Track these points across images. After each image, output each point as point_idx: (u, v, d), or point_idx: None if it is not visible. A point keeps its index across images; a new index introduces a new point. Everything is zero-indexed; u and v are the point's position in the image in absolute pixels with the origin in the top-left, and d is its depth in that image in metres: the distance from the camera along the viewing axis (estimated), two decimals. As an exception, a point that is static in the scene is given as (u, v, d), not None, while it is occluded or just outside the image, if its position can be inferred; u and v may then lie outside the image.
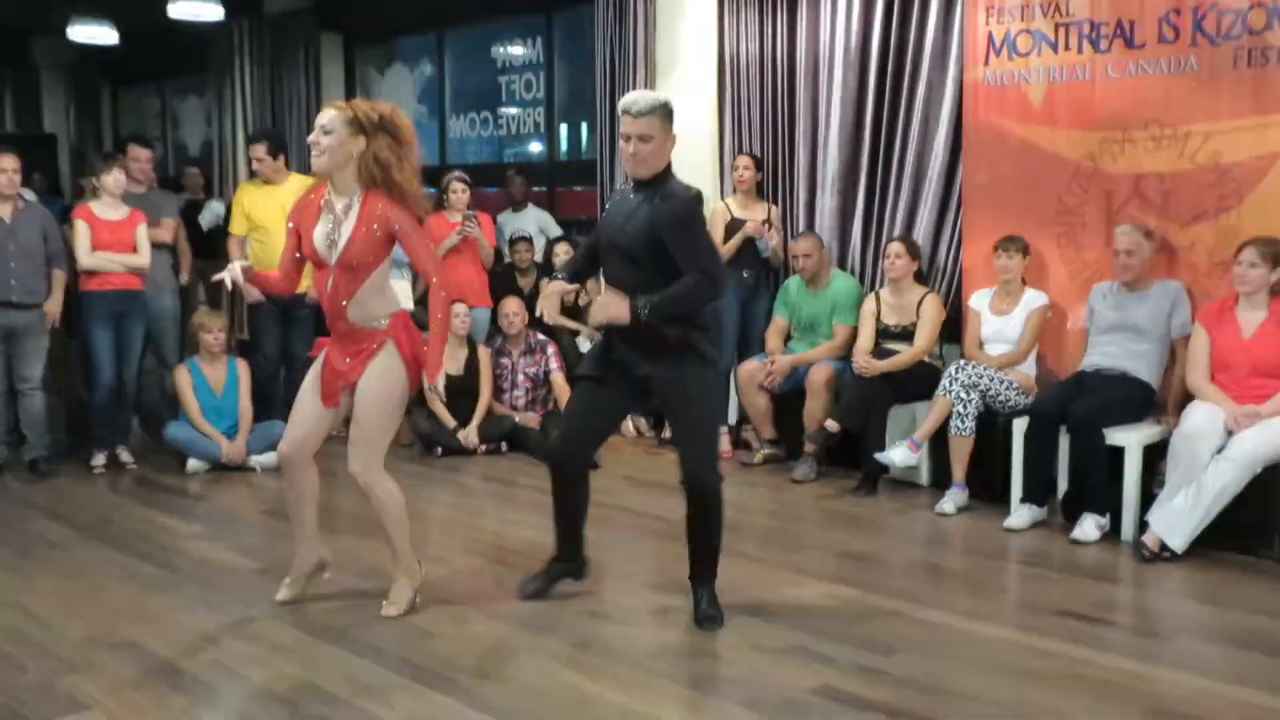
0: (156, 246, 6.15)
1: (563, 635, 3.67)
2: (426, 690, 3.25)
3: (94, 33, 9.55)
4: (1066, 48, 5.25)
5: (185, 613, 3.86)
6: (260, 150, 6.38)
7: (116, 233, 5.88)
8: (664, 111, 3.56)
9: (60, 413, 6.69)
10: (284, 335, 6.43)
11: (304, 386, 3.83)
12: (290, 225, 3.78)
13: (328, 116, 3.61)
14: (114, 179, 5.90)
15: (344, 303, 3.66)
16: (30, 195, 6.65)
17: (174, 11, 8.27)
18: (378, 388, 3.68)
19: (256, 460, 5.98)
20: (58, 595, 4.08)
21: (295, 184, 6.58)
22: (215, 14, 8.44)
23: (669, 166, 3.65)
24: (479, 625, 3.76)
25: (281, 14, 9.55)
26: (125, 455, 6.14)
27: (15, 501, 5.46)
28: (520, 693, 3.24)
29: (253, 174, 6.72)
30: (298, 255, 3.79)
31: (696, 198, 3.60)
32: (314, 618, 3.82)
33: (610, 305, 3.58)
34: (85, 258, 5.79)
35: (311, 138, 3.61)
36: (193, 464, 5.98)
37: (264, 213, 6.26)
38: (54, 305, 5.78)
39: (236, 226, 6.43)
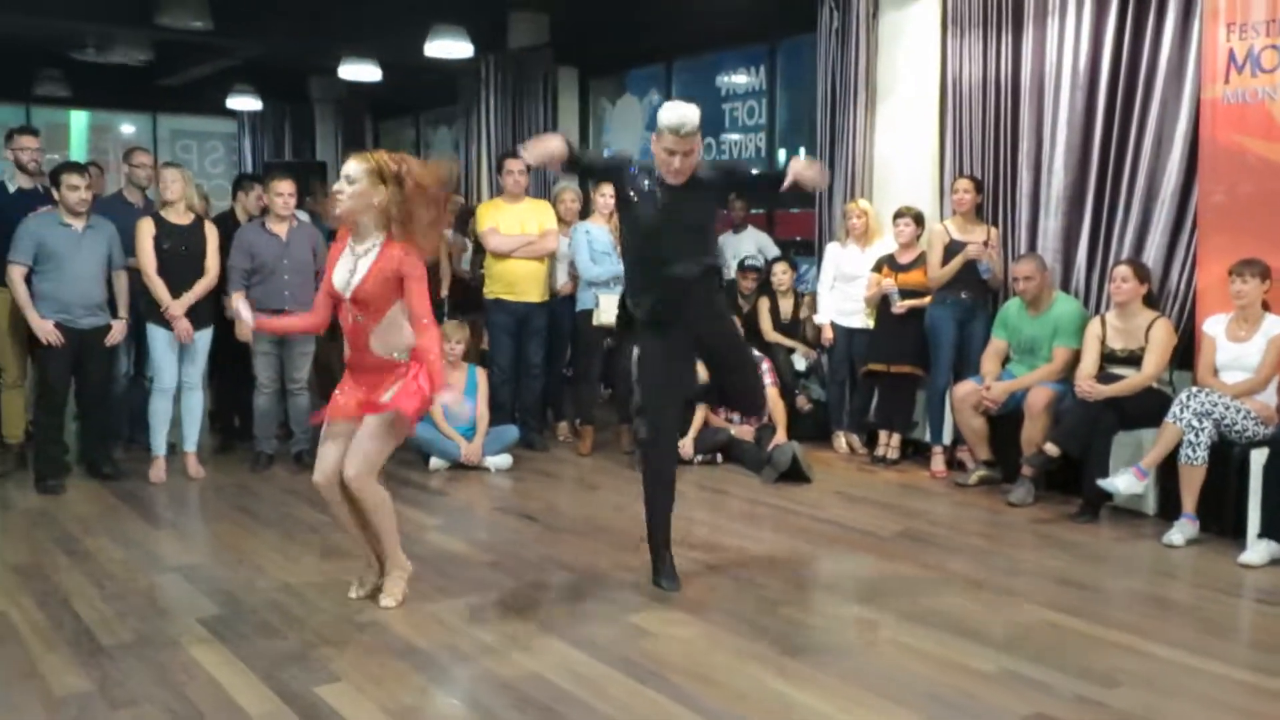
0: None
1: (771, 643, 3.76)
2: (640, 686, 3.39)
3: (361, 71, 10.44)
4: (1317, 62, 4.99)
5: (424, 599, 4.17)
6: (520, 164, 6.82)
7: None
8: (694, 130, 4.05)
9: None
10: (519, 344, 6.85)
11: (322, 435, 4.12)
12: (325, 268, 4.08)
13: (354, 166, 3.83)
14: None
15: (367, 336, 3.92)
16: (304, 216, 7.34)
17: (430, 50, 8.96)
18: (390, 416, 3.91)
19: (491, 461, 6.41)
20: (315, 574, 4.50)
21: (529, 203, 7.04)
22: (465, 51, 9.08)
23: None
24: (691, 628, 3.90)
25: (523, 49, 10.13)
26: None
27: (282, 489, 6.03)
28: (728, 695, 3.33)
29: (498, 191, 7.17)
30: (330, 293, 4.05)
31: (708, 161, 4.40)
32: (537, 610, 4.07)
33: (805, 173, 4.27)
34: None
35: (337, 186, 3.89)
36: (434, 462, 6.47)
37: (509, 225, 6.76)
38: (321, 314, 6.38)
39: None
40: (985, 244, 6.24)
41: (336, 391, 4.11)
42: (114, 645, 3.70)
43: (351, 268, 3.91)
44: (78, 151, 13.50)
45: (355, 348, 4.02)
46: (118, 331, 5.97)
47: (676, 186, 4.15)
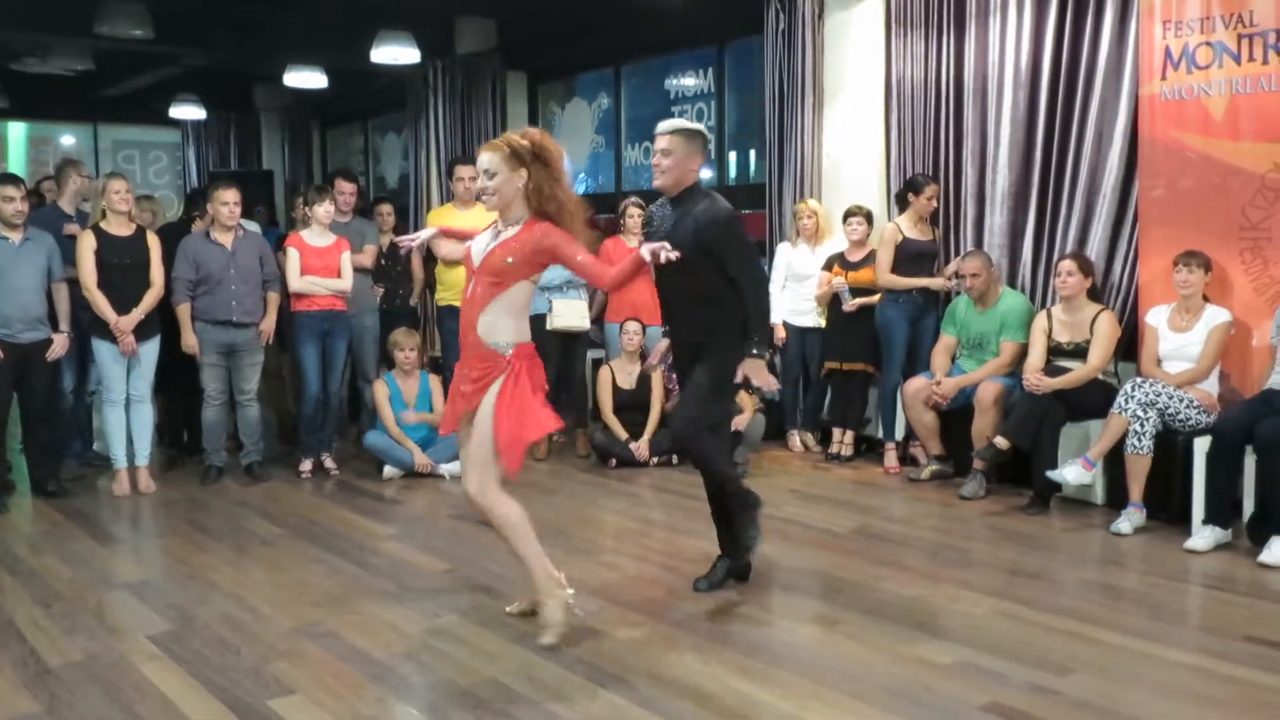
0: (358, 270, 6.59)
1: (731, 643, 3.77)
2: (601, 690, 3.38)
3: (306, 78, 10.33)
4: (1250, 59, 5.10)
5: (380, 608, 4.15)
6: (471, 170, 6.76)
7: (323, 258, 6.36)
8: (685, 134, 4.16)
9: (272, 422, 7.27)
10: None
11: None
12: (467, 244, 3.99)
13: (488, 158, 3.73)
14: (324, 210, 6.38)
15: (478, 313, 3.77)
16: (253, 226, 7.26)
17: (376, 56, 8.89)
18: (493, 410, 3.73)
19: (445, 468, 6.36)
20: (268, 587, 4.45)
21: (479, 210, 7.00)
22: (412, 57, 9.01)
23: (697, 184, 4.22)
24: (650, 629, 3.90)
25: (471, 55, 10.09)
26: (329, 462, 6.63)
27: (233, 501, 5.96)
28: (690, 696, 3.34)
29: (449, 198, 7.12)
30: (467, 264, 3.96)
31: (734, 213, 4.19)
32: (496, 616, 4.04)
33: (755, 370, 4.13)
34: (295, 282, 6.28)
35: (479, 183, 3.81)
36: (388, 470, 6.43)
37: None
38: (268, 324, 6.28)
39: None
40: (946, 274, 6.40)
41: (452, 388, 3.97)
42: (62, 665, 3.63)
43: (489, 242, 3.82)
44: (16, 164, 13.25)
45: (465, 325, 3.83)
46: (59, 346, 5.86)
47: (679, 202, 4.19)
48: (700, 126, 4.26)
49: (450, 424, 3.91)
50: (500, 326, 3.74)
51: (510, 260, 3.71)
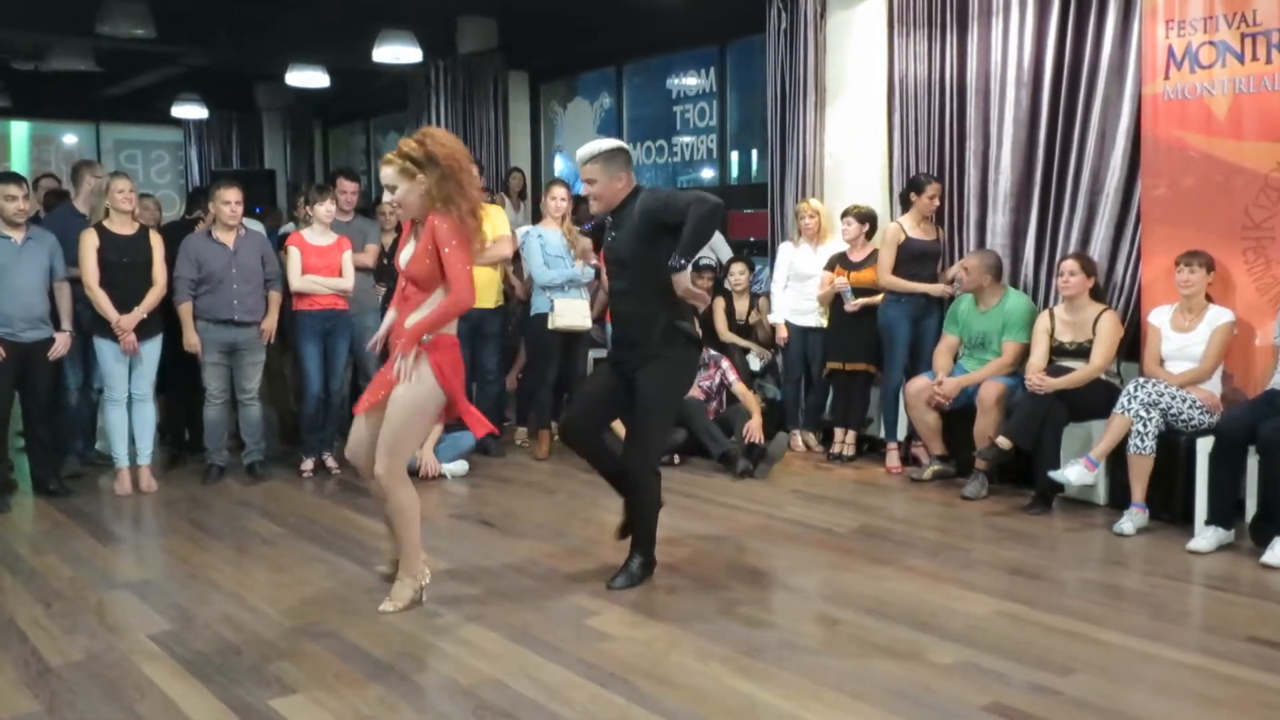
0: (360, 270, 6.58)
1: (732, 642, 3.76)
2: (600, 689, 3.38)
3: (308, 77, 10.34)
4: (1254, 58, 5.09)
5: (380, 607, 4.12)
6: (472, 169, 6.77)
7: (325, 258, 6.35)
8: (602, 159, 4.20)
9: (274, 421, 7.26)
10: (473, 351, 6.80)
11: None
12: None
13: (386, 174, 3.94)
14: (325, 209, 6.37)
15: (409, 312, 4.00)
16: (256, 226, 7.25)
17: (378, 55, 8.89)
18: (408, 395, 3.95)
19: (447, 468, 6.35)
20: (269, 587, 4.44)
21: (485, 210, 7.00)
22: (414, 56, 9.02)
23: (635, 191, 4.26)
24: (650, 629, 3.90)
25: (473, 54, 10.09)
26: (330, 461, 6.62)
27: (234, 501, 5.96)
28: (690, 696, 3.33)
29: None
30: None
31: (663, 191, 4.28)
32: (497, 616, 4.04)
33: (679, 283, 4.13)
34: (296, 281, 6.28)
35: (385, 199, 4.06)
36: (389, 471, 6.41)
37: None
38: (270, 323, 6.28)
39: None
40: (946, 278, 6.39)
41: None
42: (63, 665, 3.63)
43: (411, 247, 4.03)
44: (19, 163, 13.26)
45: (397, 322, 4.10)
46: (61, 345, 5.86)
47: (619, 210, 4.29)
48: (616, 143, 4.30)
49: (363, 404, 4.11)
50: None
51: (427, 263, 3.92)
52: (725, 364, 6.87)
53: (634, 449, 4.31)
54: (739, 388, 6.77)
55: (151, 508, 5.87)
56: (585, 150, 4.26)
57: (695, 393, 6.78)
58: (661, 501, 4.46)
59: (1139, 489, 5.10)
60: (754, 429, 6.51)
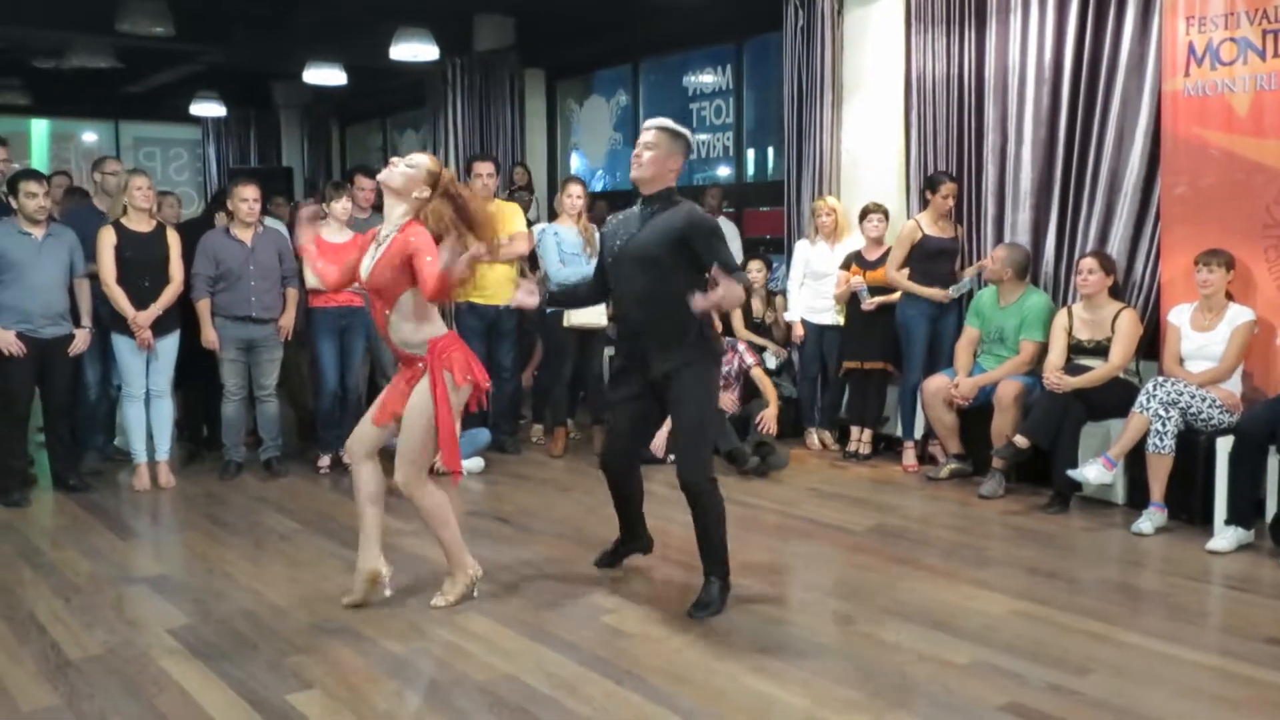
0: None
1: (748, 640, 3.77)
2: (616, 686, 3.38)
3: (325, 75, 10.36)
4: (1275, 54, 5.05)
5: (397, 604, 4.15)
6: (489, 168, 6.80)
7: (340, 255, 6.36)
8: (671, 134, 4.09)
9: (291, 418, 7.29)
10: (489, 348, 6.81)
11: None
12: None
13: (419, 157, 3.95)
14: (342, 206, 6.37)
15: (386, 324, 3.99)
16: (277, 223, 7.27)
17: (395, 53, 8.90)
18: (420, 406, 3.94)
19: (464, 465, 6.34)
20: (286, 582, 4.46)
21: (496, 207, 7.00)
22: (431, 54, 9.04)
23: (673, 189, 4.12)
24: (667, 627, 3.90)
25: (490, 52, 10.11)
26: (347, 457, 6.62)
27: (251, 497, 5.98)
28: (705, 694, 3.33)
29: None
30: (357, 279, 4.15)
31: (716, 224, 4.13)
32: (513, 613, 4.05)
33: (731, 292, 3.79)
34: (313, 277, 6.29)
35: (394, 158, 3.99)
36: (405, 469, 6.42)
37: None
38: (287, 320, 6.31)
39: None
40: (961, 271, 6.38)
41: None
42: (82, 658, 3.65)
43: (374, 255, 3.98)
44: (39, 160, 13.35)
45: (382, 336, 4.11)
46: (81, 341, 5.89)
47: (651, 201, 4.12)
48: (686, 132, 4.19)
49: (382, 416, 4.09)
50: (405, 330, 3.97)
51: (389, 274, 3.89)
52: (742, 346, 6.85)
53: (688, 463, 4.09)
54: (757, 372, 6.76)
55: (170, 503, 5.91)
56: (660, 120, 4.17)
57: None
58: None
59: (1158, 488, 5.07)
60: (769, 418, 6.50)
